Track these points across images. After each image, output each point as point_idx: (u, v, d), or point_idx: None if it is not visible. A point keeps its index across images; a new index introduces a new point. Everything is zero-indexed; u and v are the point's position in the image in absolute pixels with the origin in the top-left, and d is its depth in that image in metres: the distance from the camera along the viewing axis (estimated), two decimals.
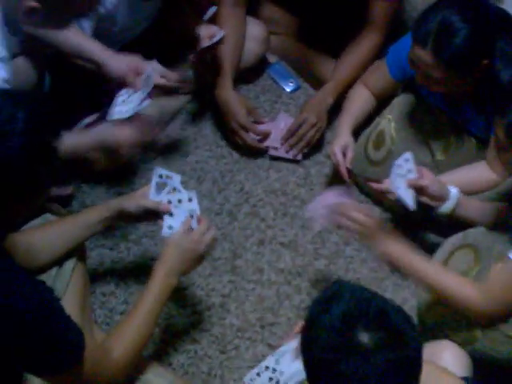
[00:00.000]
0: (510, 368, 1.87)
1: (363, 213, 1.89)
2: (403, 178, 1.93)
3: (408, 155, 1.94)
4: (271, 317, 2.08)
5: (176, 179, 1.81)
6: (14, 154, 1.30)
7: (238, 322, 2.07)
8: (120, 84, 2.07)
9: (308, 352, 1.22)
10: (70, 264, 1.79)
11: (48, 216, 1.87)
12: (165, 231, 1.79)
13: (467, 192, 2.01)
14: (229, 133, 2.42)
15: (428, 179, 1.93)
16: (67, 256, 1.78)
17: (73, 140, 1.96)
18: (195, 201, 1.81)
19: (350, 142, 2.25)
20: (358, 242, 2.15)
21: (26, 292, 1.36)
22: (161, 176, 1.80)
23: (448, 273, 1.86)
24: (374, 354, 1.15)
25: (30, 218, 1.75)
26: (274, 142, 2.43)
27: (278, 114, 2.52)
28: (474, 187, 2.05)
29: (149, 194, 1.79)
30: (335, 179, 2.38)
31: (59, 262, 1.77)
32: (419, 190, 1.93)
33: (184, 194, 1.80)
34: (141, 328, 1.65)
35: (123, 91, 2.06)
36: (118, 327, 1.66)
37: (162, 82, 2.10)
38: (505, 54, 1.95)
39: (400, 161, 1.95)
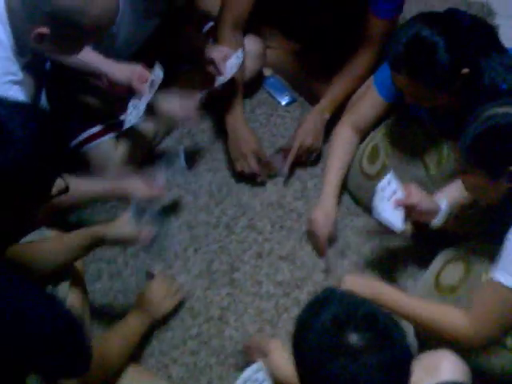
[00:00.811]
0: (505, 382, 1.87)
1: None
2: (389, 200, 1.93)
3: (390, 176, 1.94)
4: (270, 329, 2.08)
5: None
6: (25, 162, 1.32)
7: (237, 334, 2.06)
8: (123, 92, 2.15)
9: (299, 355, 1.26)
10: (67, 280, 1.80)
11: (43, 229, 1.87)
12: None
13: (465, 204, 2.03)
14: (235, 159, 2.39)
15: (417, 197, 1.93)
16: (61, 272, 1.81)
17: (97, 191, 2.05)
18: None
19: (331, 214, 2.23)
20: None
21: (42, 304, 1.36)
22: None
23: (433, 305, 1.83)
24: (362, 354, 1.18)
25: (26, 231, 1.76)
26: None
27: (277, 142, 2.53)
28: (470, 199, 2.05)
29: (127, 223, 1.87)
30: None
31: (52, 277, 1.79)
32: (409, 209, 1.93)
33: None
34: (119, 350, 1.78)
35: (130, 103, 2.14)
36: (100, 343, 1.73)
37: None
38: (489, 62, 1.95)
39: (383, 184, 1.95)
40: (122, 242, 1.94)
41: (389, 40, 1.95)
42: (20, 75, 1.78)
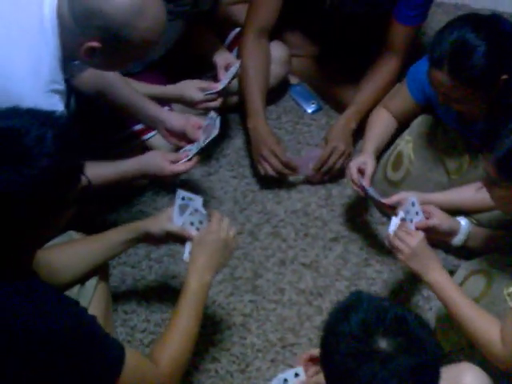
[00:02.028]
0: None
1: (409, 232, 1.86)
2: (411, 223, 1.93)
3: (413, 199, 1.94)
4: (292, 337, 2.07)
5: (198, 201, 1.83)
6: (42, 176, 1.31)
7: (259, 341, 2.06)
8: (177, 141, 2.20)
9: (329, 360, 1.25)
10: (92, 282, 1.81)
11: (72, 233, 1.88)
12: (186, 256, 1.81)
13: (476, 209, 2.02)
14: (257, 162, 2.39)
15: (437, 218, 1.94)
16: (90, 275, 1.80)
17: (117, 169, 2.04)
18: None
19: (368, 160, 2.20)
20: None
21: (60, 312, 1.37)
22: (183, 198, 1.83)
23: (478, 310, 1.75)
24: (393, 360, 1.17)
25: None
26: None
27: (302, 150, 2.54)
28: (482, 204, 2.04)
29: (172, 217, 1.82)
30: (357, 201, 2.40)
31: (81, 280, 1.79)
32: (430, 230, 1.93)
33: (205, 216, 1.82)
34: (183, 334, 1.64)
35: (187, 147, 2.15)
36: (161, 337, 1.65)
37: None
38: None
39: (407, 206, 1.94)
40: (163, 239, 1.86)
41: (433, 38, 1.96)
42: (63, 85, 1.80)
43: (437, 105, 2.16)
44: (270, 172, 2.36)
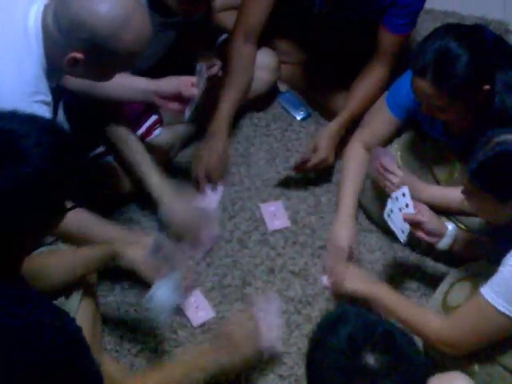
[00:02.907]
0: None
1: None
2: (399, 212, 1.96)
3: (405, 189, 1.96)
4: (281, 346, 2.05)
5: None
6: (36, 177, 1.33)
7: None
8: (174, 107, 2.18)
9: (313, 374, 1.24)
10: (78, 291, 1.81)
11: (59, 245, 1.88)
12: (152, 293, 1.90)
13: (464, 209, 2.04)
14: (193, 161, 2.42)
15: (425, 216, 1.95)
16: (71, 287, 1.81)
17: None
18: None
19: (354, 241, 2.21)
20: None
21: (50, 322, 1.37)
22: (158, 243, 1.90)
23: (415, 307, 1.92)
24: (380, 377, 1.17)
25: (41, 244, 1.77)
26: None
27: (291, 157, 2.53)
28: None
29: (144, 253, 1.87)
30: None
31: (64, 291, 1.79)
32: (415, 226, 1.95)
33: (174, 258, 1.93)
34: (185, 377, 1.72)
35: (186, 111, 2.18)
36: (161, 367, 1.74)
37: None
38: (505, 81, 1.96)
39: (397, 194, 1.97)
40: (132, 268, 1.89)
41: (416, 48, 1.97)
42: (50, 96, 1.79)
43: (422, 119, 2.17)
44: (194, 176, 2.38)
